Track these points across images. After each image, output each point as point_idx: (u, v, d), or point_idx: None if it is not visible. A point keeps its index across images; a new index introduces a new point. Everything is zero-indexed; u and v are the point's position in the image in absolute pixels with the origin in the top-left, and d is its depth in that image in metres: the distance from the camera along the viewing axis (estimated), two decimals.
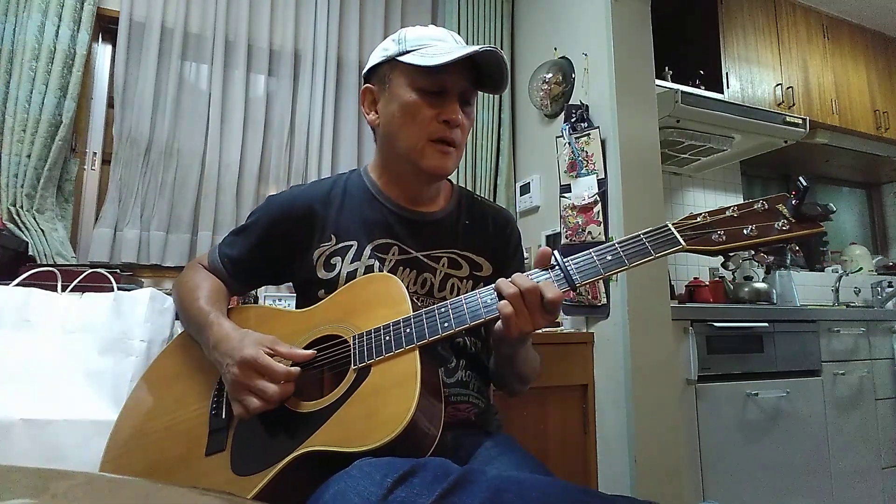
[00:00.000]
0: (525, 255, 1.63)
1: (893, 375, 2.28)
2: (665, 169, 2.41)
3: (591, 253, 0.69)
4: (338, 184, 0.93)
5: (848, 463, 2.06)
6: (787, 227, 0.65)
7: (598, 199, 1.68)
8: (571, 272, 0.69)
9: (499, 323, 0.70)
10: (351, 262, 0.85)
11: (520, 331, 0.68)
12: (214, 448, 0.72)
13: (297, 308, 0.89)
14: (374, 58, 0.88)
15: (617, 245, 0.69)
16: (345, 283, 0.83)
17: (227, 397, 0.76)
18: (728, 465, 1.81)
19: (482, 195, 2.08)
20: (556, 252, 0.71)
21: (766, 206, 0.67)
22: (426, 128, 0.82)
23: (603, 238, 1.66)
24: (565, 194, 1.79)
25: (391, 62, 0.84)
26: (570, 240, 1.77)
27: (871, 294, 3.02)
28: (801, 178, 0.64)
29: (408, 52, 0.82)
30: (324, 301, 0.82)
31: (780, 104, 2.54)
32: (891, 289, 2.94)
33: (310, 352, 0.74)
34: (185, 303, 0.87)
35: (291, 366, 0.71)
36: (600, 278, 0.69)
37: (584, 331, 1.71)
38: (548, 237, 1.91)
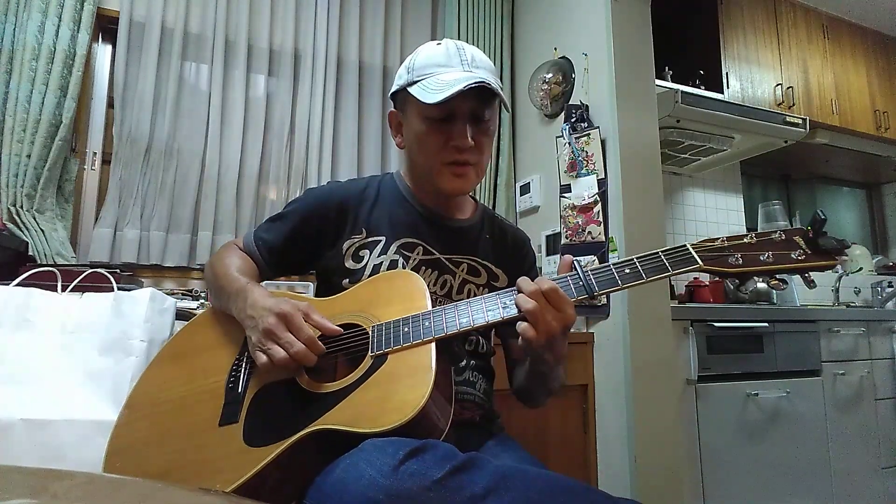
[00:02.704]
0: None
1: (893, 375, 2.27)
2: (665, 169, 2.41)
3: (610, 265, 0.72)
4: (372, 183, 0.98)
5: (848, 463, 2.06)
6: (803, 257, 0.68)
7: (598, 199, 1.68)
8: (590, 280, 0.71)
9: (521, 339, 0.70)
10: (378, 256, 0.89)
11: (546, 332, 0.68)
12: (228, 419, 0.73)
13: (316, 296, 0.92)
14: (395, 84, 0.91)
15: (635, 260, 0.71)
16: (370, 275, 0.87)
17: (244, 372, 0.78)
18: (728, 465, 1.81)
19: (483, 196, 2.08)
20: (576, 262, 0.74)
21: (784, 237, 0.70)
22: (438, 155, 0.86)
23: (603, 238, 1.66)
24: (565, 194, 1.79)
25: (404, 91, 0.87)
26: (570, 240, 1.77)
27: (871, 294, 3.02)
28: (818, 211, 0.68)
29: (415, 82, 0.84)
30: (346, 292, 0.85)
31: (780, 104, 2.54)
32: (891, 289, 2.94)
33: (337, 328, 0.75)
34: (220, 272, 0.88)
35: (319, 337, 0.73)
36: (618, 289, 0.71)
37: (584, 331, 1.71)
38: (548, 237, 1.91)
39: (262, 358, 0.72)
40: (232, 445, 0.70)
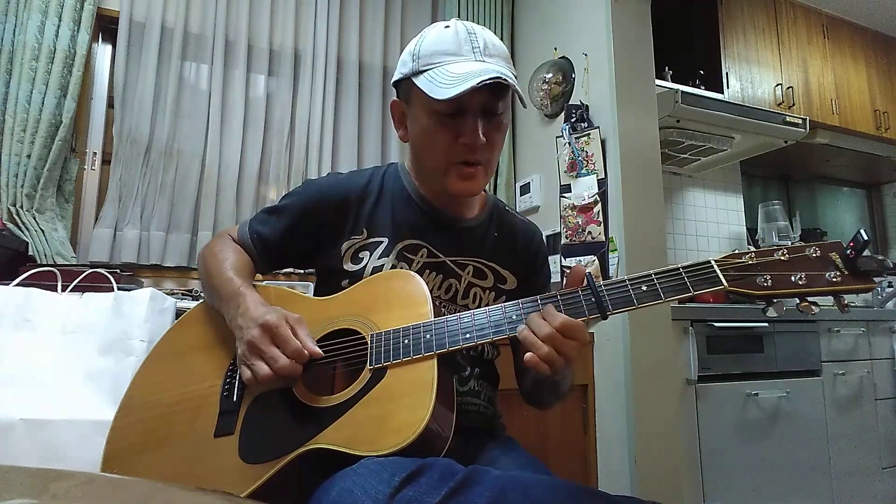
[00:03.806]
0: None
1: (893, 375, 2.27)
2: (665, 169, 2.40)
3: (625, 281, 0.67)
4: (375, 177, 0.91)
5: (848, 463, 2.06)
6: (839, 279, 0.61)
7: (598, 198, 1.68)
8: (604, 299, 0.67)
9: (535, 367, 0.66)
10: (378, 258, 0.84)
11: (562, 363, 0.65)
12: (223, 430, 0.72)
13: (315, 293, 0.89)
14: (397, 71, 0.83)
15: (654, 276, 0.66)
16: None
17: (239, 379, 0.76)
18: (728, 465, 1.81)
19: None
20: (589, 274, 0.69)
21: (819, 254, 0.63)
22: (446, 152, 0.79)
23: (603, 238, 1.66)
24: (565, 194, 1.79)
25: (409, 80, 0.79)
26: (570, 240, 1.77)
27: (871, 294, 3.01)
28: (861, 231, 0.60)
29: (420, 72, 0.77)
30: (344, 292, 0.81)
31: (780, 104, 2.54)
32: (891, 289, 2.93)
33: (320, 351, 0.72)
34: (213, 270, 0.84)
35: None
36: (633, 309, 0.66)
37: None
38: (548, 237, 1.91)
39: (247, 373, 0.69)
40: (227, 459, 0.69)
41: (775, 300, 0.65)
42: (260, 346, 0.69)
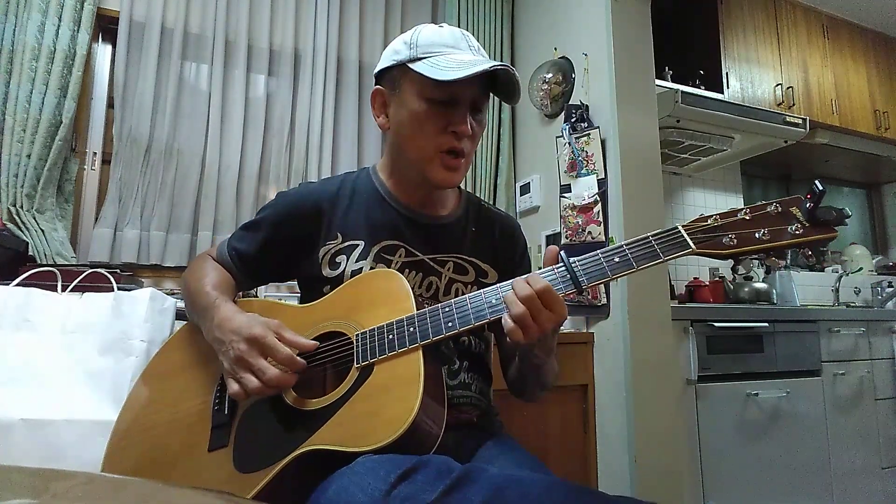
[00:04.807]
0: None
1: (893, 375, 2.27)
2: (665, 169, 2.41)
3: (598, 254, 0.68)
4: (346, 182, 0.92)
5: (848, 463, 2.06)
6: (801, 231, 0.63)
7: (598, 199, 1.68)
8: (577, 273, 0.67)
9: (509, 339, 0.67)
10: (356, 261, 0.84)
11: (538, 332, 0.65)
12: (217, 444, 0.72)
13: (300, 304, 0.89)
14: (385, 59, 0.85)
15: (625, 247, 0.67)
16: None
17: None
18: (728, 465, 1.81)
19: (483, 196, 2.08)
20: (562, 252, 0.70)
21: (780, 209, 0.65)
22: (435, 139, 0.81)
23: (603, 238, 1.66)
24: (565, 194, 1.79)
25: (402, 67, 0.81)
26: (570, 240, 1.77)
27: (871, 294, 3.02)
28: (816, 182, 0.62)
29: (418, 59, 0.79)
30: (327, 297, 0.82)
31: (780, 104, 2.54)
32: (891, 289, 2.94)
33: (313, 342, 0.73)
34: (192, 288, 0.86)
35: (297, 355, 0.71)
36: (607, 280, 0.67)
37: (584, 331, 1.71)
38: (548, 237, 1.91)
39: (234, 387, 0.69)
40: (223, 471, 0.69)
41: (742, 258, 0.67)
42: (248, 358, 0.69)
